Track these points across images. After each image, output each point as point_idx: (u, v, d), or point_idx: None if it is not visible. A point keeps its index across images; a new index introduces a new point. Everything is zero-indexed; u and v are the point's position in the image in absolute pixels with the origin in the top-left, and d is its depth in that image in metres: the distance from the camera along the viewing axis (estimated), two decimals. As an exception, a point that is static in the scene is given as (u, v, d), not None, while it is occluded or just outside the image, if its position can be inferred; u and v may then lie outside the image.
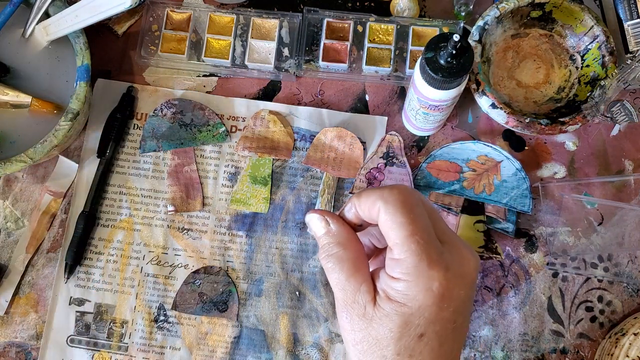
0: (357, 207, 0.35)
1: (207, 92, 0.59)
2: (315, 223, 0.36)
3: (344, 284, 0.34)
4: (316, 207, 0.56)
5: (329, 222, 0.36)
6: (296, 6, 0.61)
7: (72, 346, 0.55)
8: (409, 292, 0.31)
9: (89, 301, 0.55)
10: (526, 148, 0.58)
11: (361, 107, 0.59)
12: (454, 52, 0.43)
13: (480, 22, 0.55)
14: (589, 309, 0.55)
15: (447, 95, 0.47)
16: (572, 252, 0.56)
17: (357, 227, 0.36)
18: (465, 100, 0.58)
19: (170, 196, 0.57)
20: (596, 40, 0.56)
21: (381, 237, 0.39)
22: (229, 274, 0.56)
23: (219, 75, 0.60)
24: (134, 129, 0.58)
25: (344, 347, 0.54)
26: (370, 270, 0.35)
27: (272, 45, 0.58)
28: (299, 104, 0.59)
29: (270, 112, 0.58)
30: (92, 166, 0.57)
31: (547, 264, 0.56)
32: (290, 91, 0.59)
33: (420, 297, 0.31)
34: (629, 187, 0.57)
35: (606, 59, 0.55)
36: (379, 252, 0.40)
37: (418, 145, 0.58)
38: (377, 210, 0.33)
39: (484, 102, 0.54)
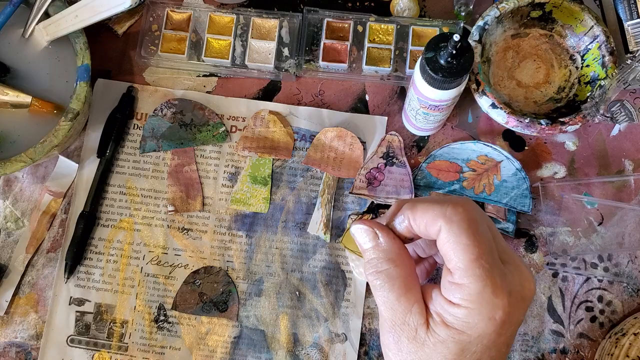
0: (412, 221, 0.32)
1: (207, 92, 0.59)
2: (362, 235, 0.34)
3: (393, 303, 0.31)
4: (316, 207, 0.56)
5: (378, 235, 0.33)
6: (296, 6, 0.61)
7: (72, 346, 0.55)
8: (469, 320, 0.29)
9: (89, 301, 0.55)
10: (526, 148, 0.58)
11: (361, 107, 0.59)
12: (454, 52, 0.43)
13: (480, 22, 0.55)
14: (589, 309, 0.55)
15: (447, 95, 0.47)
16: (572, 252, 0.56)
17: (406, 239, 0.34)
18: (465, 100, 0.58)
19: (170, 196, 0.57)
20: (596, 40, 0.56)
21: (427, 247, 0.37)
22: (229, 274, 0.56)
23: (219, 75, 0.60)
24: (134, 129, 0.58)
25: (344, 348, 0.54)
26: None
27: (272, 45, 0.58)
28: (299, 104, 0.59)
29: (270, 112, 0.58)
30: (92, 166, 0.57)
31: (547, 264, 0.56)
32: (290, 91, 0.59)
33: (482, 326, 0.29)
34: (629, 187, 0.57)
35: (606, 59, 0.55)
36: (420, 260, 0.38)
37: (418, 145, 0.58)
38: (437, 229, 0.30)
39: (484, 102, 0.54)
